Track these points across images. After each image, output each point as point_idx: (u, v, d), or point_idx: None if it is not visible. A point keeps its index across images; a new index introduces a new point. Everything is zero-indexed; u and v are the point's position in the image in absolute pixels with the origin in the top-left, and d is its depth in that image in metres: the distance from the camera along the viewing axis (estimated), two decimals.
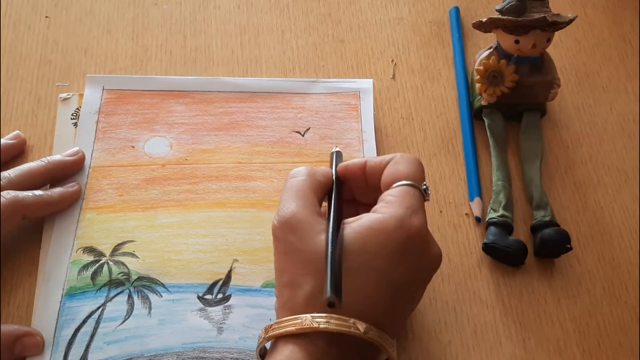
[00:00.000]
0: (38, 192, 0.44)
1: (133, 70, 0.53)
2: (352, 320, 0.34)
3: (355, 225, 0.36)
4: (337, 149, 0.44)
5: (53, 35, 0.55)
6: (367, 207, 0.38)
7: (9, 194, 0.43)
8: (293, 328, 0.34)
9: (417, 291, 0.39)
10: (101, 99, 0.51)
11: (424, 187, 0.39)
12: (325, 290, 0.32)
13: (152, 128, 0.50)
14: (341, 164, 0.42)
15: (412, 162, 0.39)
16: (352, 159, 0.42)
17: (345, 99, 0.53)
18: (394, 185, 0.38)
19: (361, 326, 0.34)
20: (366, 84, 0.54)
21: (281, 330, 0.35)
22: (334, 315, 0.34)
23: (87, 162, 0.48)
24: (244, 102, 0.52)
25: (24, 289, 0.44)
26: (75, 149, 0.48)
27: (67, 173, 0.47)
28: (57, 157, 0.47)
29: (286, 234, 0.37)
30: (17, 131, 0.49)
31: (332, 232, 0.35)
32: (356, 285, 0.35)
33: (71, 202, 0.46)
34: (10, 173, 0.45)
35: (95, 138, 0.49)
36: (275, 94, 0.53)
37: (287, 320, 0.35)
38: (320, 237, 0.36)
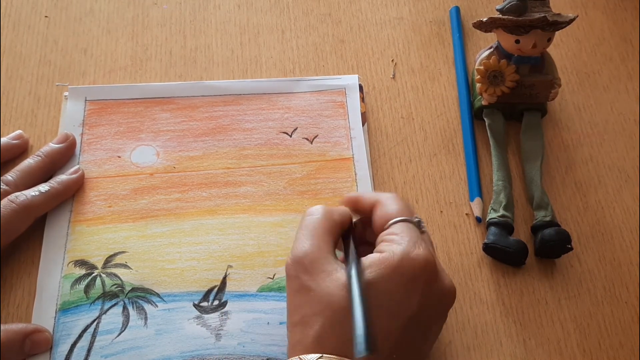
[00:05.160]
0: (44, 189, 0.45)
1: (133, 69, 0.53)
2: None
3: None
4: None
5: (53, 35, 0.54)
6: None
7: (18, 199, 0.43)
8: None
9: (432, 326, 0.38)
10: (84, 111, 0.50)
11: (416, 219, 0.39)
12: (355, 344, 0.31)
13: (137, 137, 0.50)
14: (350, 195, 0.43)
15: (396, 200, 0.40)
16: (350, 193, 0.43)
17: (331, 96, 0.53)
18: (388, 224, 0.38)
19: None
20: (351, 80, 0.53)
21: None
22: (334, 357, 0.33)
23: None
24: (229, 105, 0.52)
25: (24, 289, 0.44)
26: (64, 133, 0.49)
27: (64, 160, 0.48)
28: (50, 147, 0.48)
29: (299, 272, 0.37)
30: (20, 131, 0.49)
31: (357, 283, 0.35)
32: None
33: (76, 189, 0.47)
34: (13, 175, 0.45)
35: (80, 150, 0.49)
36: (260, 95, 0.52)
37: None
38: (332, 277, 0.36)
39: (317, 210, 0.40)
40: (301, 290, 0.36)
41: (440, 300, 0.37)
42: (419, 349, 0.38)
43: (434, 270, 0.36)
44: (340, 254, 0.40)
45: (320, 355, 0.34)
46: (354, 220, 0.42)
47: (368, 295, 0.34)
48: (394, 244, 0.37)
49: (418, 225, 0.39)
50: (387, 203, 0.40)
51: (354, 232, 0.41)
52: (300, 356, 0.34)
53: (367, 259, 0.36)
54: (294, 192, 0.48)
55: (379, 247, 0.37)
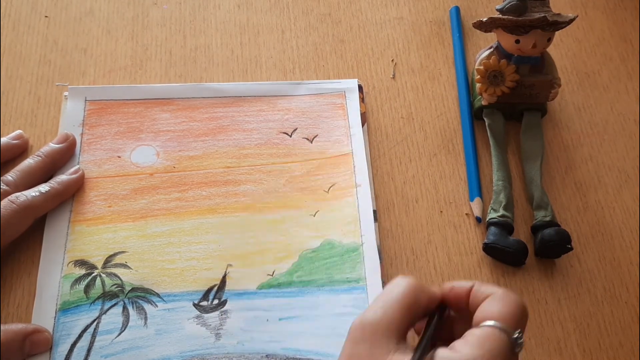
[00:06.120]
0: (44, 189, 0.45)
1: (133, 69, 0.53)
2: None
3: (429, 358, 0.32)
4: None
5: (53, 34, 0.54)
6: None
7: (18, 199, 0.43)
8: None
9: None
10: (84, 111, 0.50)
11: (517, 335, 0.32)
12: None
13: (137, 137, 0.50)
14: (447, 283, 0.36)
15: (511, 303, 0.34)
16: (460, 282, 0.36)
17: (331, 99, 0.53)
18: (482, 324, 0.33)
19: None
20: (351, 84, 0.54)
21: None
22: None
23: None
24: (229, 107, 0.52)
25: (24, 289, 0.44)
26: (64, 133, 0.49)
27: (64, 160, 0.48)
28: (50, 147, 0.47)
29: (357, 338, 0.33)
30: (20, 131, 0.49)
31: None
32: None
33: (76, 189, 0.47)
34: (13, 176, 0.45)
35: (80, 150, 0.49)
36: (260, 97, 0.52)
37: None
38: (389, 358, 0.32)
39: (404, 281, 0.35)
40: (353, 357, 0.33)
41: None
42: None
43: None
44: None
45: None
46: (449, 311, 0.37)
47: None
48: (467, 348, 0.31)
49: (514, 342, 0.32)
50: (498, 299, 0.34)
51: (438, 320, 0.36)
52: None
53: (437, 354, 0.32)
54: (293, 190, 0.48)
55: (454, 342, 0.33)
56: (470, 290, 0.35)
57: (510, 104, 0.51)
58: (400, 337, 0.33)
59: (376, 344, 0.33)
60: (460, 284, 0.36)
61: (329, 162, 0.50)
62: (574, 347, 0.44)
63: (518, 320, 0.33)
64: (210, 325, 0.43)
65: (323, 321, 0.43)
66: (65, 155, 0.48)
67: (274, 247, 0.46)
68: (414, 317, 0.35)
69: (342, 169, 0.49)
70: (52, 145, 0.48)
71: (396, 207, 0.49)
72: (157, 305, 0.43)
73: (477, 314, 0.34)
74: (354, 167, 0.49)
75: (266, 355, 0.42)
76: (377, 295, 0.35)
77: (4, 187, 0.44)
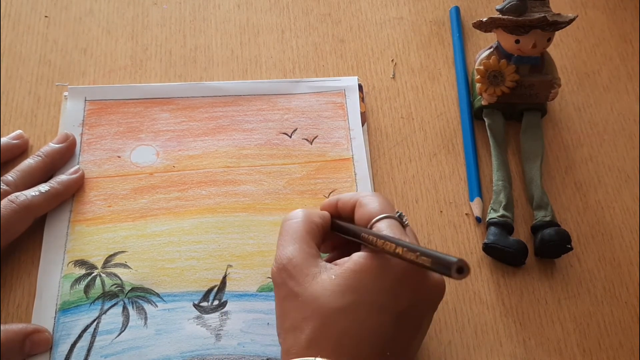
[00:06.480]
0: (44, 189, 0.45)
1: (132, 69, 0.53)
2: None
3: (349, 264, 0.36)
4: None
5: (52, 34, 0.54)
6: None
7: (18, 199, 0.43)
8: None
9: (423, 321, 0.38)
10: (84, 111, 0.50)
11: (398, 213, 0.39)
12: (449, 261, 0.30)
13: (137, 137, 0.50)
14: (322, 203, 0.43)
15: (375, 198, 0.39)
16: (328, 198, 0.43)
17: (330, 97, 0.53)
18: (371, 223, 0.38)
19: None
20: (351, 81, 0.53)
21: None
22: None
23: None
24: (229, 106, 0.52)
25: (24, 289, 0.44)
26: (64, 133, 0.49)
27: (64, 160, 0.48)
28: (50, 147, 0.48)
29: (284, 279, 0.37)
30: (20, 131, 0.49)
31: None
32: (359, 322, 0.35)
33: (76, 189, 0.47)
34: (13, 175, 0.45)
35: (80, 150, 0.49)
36: (259, 96, 0.52)
37: None
38: (318, 280, 0.36)
39: (296, 214, 0.40)
40: (289, 297, 0.36)
41: (430, 296, 0.37)
42: (410, 344, 0.37)
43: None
44: (324, 256, 0.40)
45: (314, 358, 0.34)
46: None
47: (355, 292, 0.35)
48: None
49: (400, 219, 0.39)
50: (367, 202, 0.39)
51: (340, 218, 0.41)
52: (306, 358, 0.34)
53: (354, 257, 0.36)
54: (293, 192, 0.48)
55: (365, 247, 0.37)
56: (336, 203, 0.41)
57: (510, 104, 0.51)
58: (316, 259, 0.37)
59: (302, 275, 0.36)
60: (327, 200, 0.42)
61: (329, 166, 0.50)
62: (574, 347, 0.44)
63: (388, 205, 0.39)
64: (210, 326, 0.43)
65: None
66: (65, 155, 0.48)
67: (274, 249, 0.45)
68: (318, 238, 0.39)
69: (343, 175, 0.49)
70: (52, 145, 0.48)
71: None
72: (157, 305, 0.43)
73: (360, 221, 0.39)
74: (355, 174, 0.49)
75: (267, 359, 0.42)
76: (278, 237, 0.39)
77: (4, 187, 0.44)
